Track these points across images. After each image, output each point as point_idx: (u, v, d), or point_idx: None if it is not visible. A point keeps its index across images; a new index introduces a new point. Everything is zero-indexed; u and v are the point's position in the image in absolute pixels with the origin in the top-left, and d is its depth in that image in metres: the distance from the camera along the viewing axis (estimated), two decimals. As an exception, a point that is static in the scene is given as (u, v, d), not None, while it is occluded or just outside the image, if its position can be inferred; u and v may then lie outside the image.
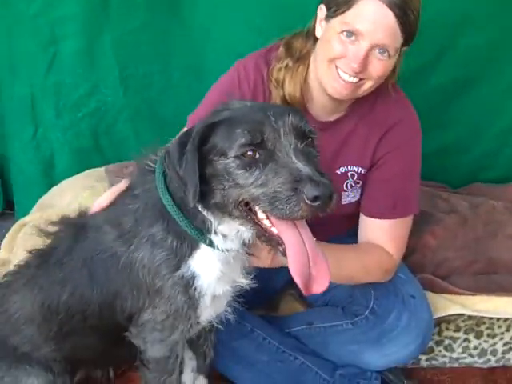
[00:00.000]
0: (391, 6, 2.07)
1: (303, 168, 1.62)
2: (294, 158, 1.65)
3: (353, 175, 2.46)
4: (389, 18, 2.09)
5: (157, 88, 3.51)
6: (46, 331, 2.12)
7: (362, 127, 2.41)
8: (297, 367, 2.48)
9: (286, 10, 3.26)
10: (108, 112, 3.50)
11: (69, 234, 2.08)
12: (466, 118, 3.61)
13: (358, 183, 2.48)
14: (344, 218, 2.55)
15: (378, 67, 2.18)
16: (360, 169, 2.45)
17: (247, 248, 1.95)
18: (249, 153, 1.67)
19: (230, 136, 1.69)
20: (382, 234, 2.44)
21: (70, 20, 3.24)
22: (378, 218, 2.44)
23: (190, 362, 2.40)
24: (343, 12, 2.13)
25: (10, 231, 3.08)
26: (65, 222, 2.12)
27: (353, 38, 2.13)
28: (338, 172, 2.45)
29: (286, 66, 2.36)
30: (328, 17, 2.20)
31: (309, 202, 1.56)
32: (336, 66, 2.20)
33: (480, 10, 3.24)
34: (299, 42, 2.38)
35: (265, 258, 2.03)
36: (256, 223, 1.75)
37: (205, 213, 1.83)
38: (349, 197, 2.50)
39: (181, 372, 2.39)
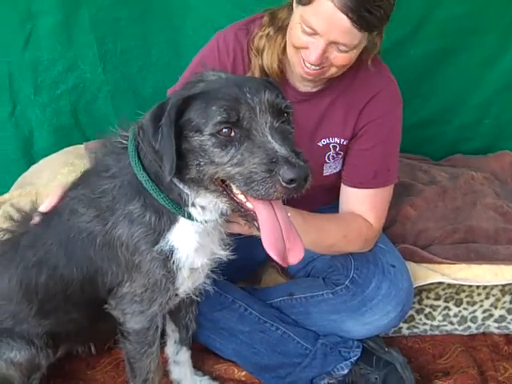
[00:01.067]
0: (344, 10, 2.04)
1: (279, 148, 1.62)
2: (269, 137, 1.65)
3: (335, 147, 2.47)
4: (342, 21, 2.07)
5: (136, 64, 3.49)
6: (26, 308, 2.13)
7: (342, 99, 2.41)
8: (278, 337, 2.49)
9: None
10: (87, 88, 3.47)
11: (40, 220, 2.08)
12: (446, 89, 3.63)
13: (340, 154, 2.48)
14: (326, 189, 2.56)
15: (340, 59, 2.18)
16: (342, 140, 2.46)
17: (227, 216, 1.96)
18: (224, 130, 1.66)
19: (206, 112, 1.68)
20: (362, 204, 2.45)
21: (46, -5, 3.20)
22: (359, 187, 2.45)
23: (172, 334, 2.41)
24: (304, 4, 2.12)
25: (-10, 209, 3.07)
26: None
27: (311, 32, 2.13)
28: (320, 144, 2.46)
29: (267, 34, 2.35)
30: (296, 2, 2.18)
31: (284, 184, 1.58)
32: (300, 54, 2.21)
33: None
34: (284, 13, 2.35)
35: (241, 225, 2.04)
36: (231, 198, 1.76)
37: (181, 186, 1.83)
38: (331, 168, 2.51)
39: (164, 344, 2.43)
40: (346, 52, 2.16)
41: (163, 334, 2.41)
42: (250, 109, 1.67)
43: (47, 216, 2.06)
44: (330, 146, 2.47)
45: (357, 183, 2.45)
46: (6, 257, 2.14)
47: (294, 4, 2.20)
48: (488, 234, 2.97)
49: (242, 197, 1.74)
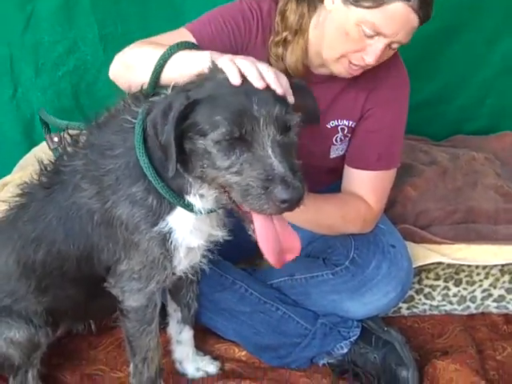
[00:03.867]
0: (418, 11, 2.05)
1: (277, 166, 1.63)
2: (269, 152, 1.65)
3: (343, 129, 2.47)
4: (414, 21, 2.08)
5: (137, 45, 3.48)
6: (24, 286, 2.15)
7: (354, 81, 2.39)
8: (278, 317, 2.51)
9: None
10: (88, 70, 3.46)
11: (42, 191, 2.09)
12: (448, 68, 3.62)
13: (347, 137, 2.49)
14: (331, 170, 2.58)
15: (385, 56, 2.20)
16: (350, 122, 2.46)
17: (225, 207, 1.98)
18: (227, 138, 1.67)
19: (211, 120, 1.68)
20: (363, 185, 2.46)
21: (47, -24, 3.19)
22: (362, 169, 2.46)
23: (174, 314, 2.43)
24: (368, 7, 2.06)
25: (-8, 191, 3.09)
26: (40, 174, 2.12)
27: (372, 34, 2.10)
28: (329, 126, 2.46)
29: (285, 39, 2.30)
30: (350, 3, 2.10)
31: (277, 204, 1.61)
32: (348, 60, 2.18)
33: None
34: (293, 10, 2.29)
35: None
36: (230, 198, 1.78)
37: (186, 176, 1.85)
38: (337, 150, 2.52)
39: (167, 325, 2.46)
40: (394, 49, 2.19)
41: (166, 314, 2.45)
42: (253, 121, 1.66)
43: (50, 189, 2.06)
44: (339, 128, 2.47)
45: (360, 165, 2.46)
46: (4, 234, 2.17)
47: (342, 4, 2.12)
48: (488, 215, 2.98)
49: None
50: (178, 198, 1.89)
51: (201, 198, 1.90)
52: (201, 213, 1.92)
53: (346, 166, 2.52)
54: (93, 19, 3.35)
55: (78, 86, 3.50)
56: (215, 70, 1.83)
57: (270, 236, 1.78)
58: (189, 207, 1.90)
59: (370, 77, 2.36)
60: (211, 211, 1.96)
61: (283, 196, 1.60)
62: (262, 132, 1.67)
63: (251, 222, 1.77)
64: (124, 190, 1.90)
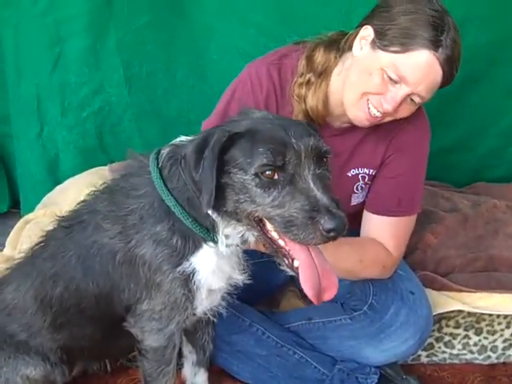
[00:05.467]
0: (443, 64, 2.10)
1: (321, 197, 1.66)
2: (311, 184, 1.69)
3: (364, 177, 2.49)
4: (438, 74, 2.12)
5: (161, 87, 3.54)
6: (39, 321, 2.15)
7: (373, 132, 2.43)
8: (295, 361, 2.48)
9: (289, 9, 3.31)
10: (112, 111, 3.53)
11: (62, 231, 2.11)
12: (469, 117, 3.63)
13: (368, 184, 2.51)
14: (350, 216, 2.55)
15: (405, 111, 2.23)
16: (371, 170, 2.48)
17: (247, 244, 1.99)
18: (268, 172, 1.69)
19: (251, 152, 1.71)
20: (383, 231, 2.45)
21: (76, 19, 3.28)
22: (382, 214, 2.45)
23: (189, 356, 2.41)
24: (395, 52, 2.12)
25: (15, 228, 3.12)
26: (59, 219, 2.16)
27: (396, 80, 2.14)
28: (349, 174, 2.48)
29: (308, 81, 2.35)
30: (375, 45, 2.17)
31: (324, 233, 1.63)
32: (368, 100, 2.21)
33: (482, 9, 3.27)
34: (320, 55, 2.36)
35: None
36: (264, 233, 1.80)
37: (212, 214, 1.86)
38: (358, 198, 2.53)
39: (182, 366, 2.44)
40: (414, 105, 2.21)
41: (181, 355, 2.43)
42: (295, 153, 1.69)
43: (70, 229, 2.09)
44: (359, 176, 2.48)
45: (380, 210, 2.46)
46: (23, 270, 2.19)
47: (368, 44, 2.19)
48: (510, 263, 2.94)
49: (275, 234, 1.78)
50: (208, 233, 1.90)
51: (226, 237, 1.91)
52: (226, 249, 1.93)
53: (365, 211, 2.52)
54: (118, 61, 3.44)
55: (103, 126, 3.57)
56: (248, 112, 1.89)
57: (311, 271, 1.79)
58: (217, 243, 1.91)
59: (390, 126, 2.39)
60: (235, 248, 1.97)
61: (330, 225, 1.62)
62: (303, 164, 1.70)
63: (285, 256, 1.79)
64: (148, 228, 1.92)
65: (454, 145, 3.70)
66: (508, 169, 3.80)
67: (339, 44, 2.35)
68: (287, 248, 1.79)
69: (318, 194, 1.67)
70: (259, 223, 1.79)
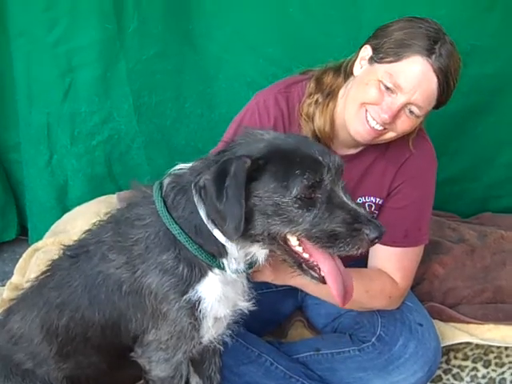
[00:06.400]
0: (437, 72, 2.14)
1: (359, 209, 1.76)
2: (345, 198, 1.77)
3: (370, 206, 2.50)
4: (432, 82, 2.16)
5: (170, 116, 3.58)
6: (45, 350, 2.15)
7: (380, 160, 2.46)
8: (304, 393, 2.48)
9: (295, 39, 3.35)
10: (121, 140, 3.56)
11: (68, 261, 2.12)
12: (475, 147, 3.64)
13: (375, 213, 2.51)
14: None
15: (405, 123, 2.25)
16: (378, 199, 2.50)
17: (254, 268, 2.01)
18: (308, 193, 1.73)
19: (287, 176, 1.73)
20: (390, 262, 2.46)
21: (87, 49, 3.32)
22: (388, 245, 2.46)
23: (196, 387, 2.42)
24: (390, 62, 2.18)
25: (23, 256, 3.14)
26: (65, 249, 2.17)
27: (391, 89, 2.18)
28: None
29: (316, 101, 2.40)
30: (372, 60, 2.24)
31: (369, 242, 1.73)
32: (366, 110, 2.24)
33: (488, 39, 3.29)
34: (329, 78, 2.42)
35: (269, 274, 2.16)
36: (288, 250, 1.84)
37: (221, 239, 1.87)
38: None
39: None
40: (416, 117, 2.23)
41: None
42: (328, 171, 1.75)
43: (76, 259, 2.09)
44: (366, 204, 2.50)
45: (387, 241, 2.45)
46: (30, 299, 2.19)
47: (366, 62, 2.26)
48: (517, 295, 2.94)
49: (299, 248, 1.84)
50: (214, 259, 1.91)
51: (235, 260, 1.92)
52: (232, 273, 1.93)
53: (372, 242, 2.52)
54: (128, 90, 3.47)
55: (111, 154, 3.60)
56: (252, 133, 1.90)
57: (338, 277, 1.87)
58: (223, 268, 1.92)
59: (395, 155, 2.42)
60: (243, 272, 1.98)
61: (375, 234, 1.72)
62: (334, 180, 1.77)
63: (311, 267, 1.86)
64: (154, 258, 1.92)
65: (459, 175, 3.71)
66: (514, 199, 3.81)
67: (346, 69, 2.40)
68: (311, 260, 1.85)
69: (354, 206, 1.77)
70: (283, 242, 1.82)
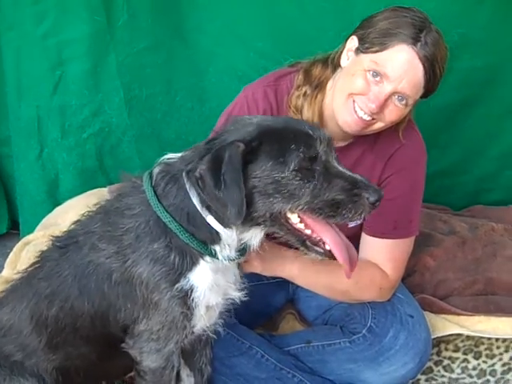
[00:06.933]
0: (423, 60, 2.15)
1: (356, 176, 1.81)
2: (339, 167, 1.83)
3: None
4: (418, 70, 2.16)
5: (160, 109, 3.58)
6: (35, 341, 2.14)
7: (369, 153, 2.46)
8: (295, 385, 2.48)
9: (287, 33, 3.35)
10: (112, 133, 3.56)
11: (57, 251, 2.11)
12: (465, 140, 3.65)
13: None
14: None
15: (393, 113, 2.25)
16: None
17: (245, 256, 2.02)
18: (305, 165, 1.77)
19: (282, 152, 1.77)
20: (380, 254, 2.47)
21: (77, 42, 3.32)
22: (379, 237, 2.47)
23: (187, 379, 2.40)
24: (376, 51, 2.18)
25: (14, 250, 3.12)
26: (54, 240, 2.16)
27: (378, 78, 2.19)
28: None
29: (305, 93, 2.40)
30: (358, 50, 2.25)
31: (370, 205, 1.79)
32: (353, 101, 2.25)
33: (477, 33, 3.29)
34: (318, 70, 2.43)
35: (256, 264, 2.20)
36: (290, 229, 1.87)
37: (216, 226, 1.87)
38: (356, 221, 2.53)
39: (180, 390, 2.43)
40: (405, 106, 2.23)
41: (179, 379, 2.42)
42: (322, 143, 1.80)
43: (65, 249, 2.09)
44: None
45: (377, 233, 2.47)
46: (19, 291, 2.19)
47: (352, 53, 2.27)
48: (508, 287, 2.94)
49: (301, 225, 1.87)
50: (205, 246, 1.91)
51: (229, 247, 1.92)
52: (224, 260, 1.94)
53: (362, 234, 2.53)
54: (119, 83, 3.47)
55: (102, 147, 3.60)
56: (240, 120, 1.92)
57: (344, 247, 1.92)
58: (215, 256, 1.92)
59: (384, 147, 2.42)
60: (235, 259, 1.98)
61: (375, 197, 1.78)
62: (327, 151, 1.81)
63: (315, 243, 1.90)
64: (145, 247, 1.92)
65: (450, 168, 3.72)
66: (505, 192, 3.81)
67: (333, 60, 2.41)
68: (314, 235, 1.89)
69: (350, 173, 1.82)
70: (285, 220, 1.85)
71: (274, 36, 3.36)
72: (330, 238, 1.90)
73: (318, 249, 1.91)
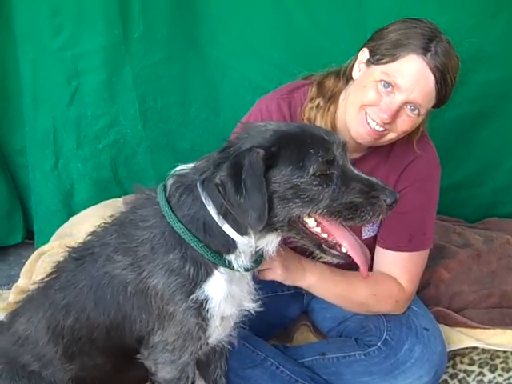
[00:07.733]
0: (434, 70, 2.15)
1: (372, 178, 1.85)
2: (355, 171, 1.86)
3: None
4: (429, 80, 2.17)
5: (175, 120, 3.60)
6: (51, 351, 2.16)
7: (383, 164, 2.46)
8: (309, 397, 2.47)
9: (301, 45, 3.36)
10: (127, 144, 3.58)
11: (73, 262, 2.12)
12: (480, 153, 3.64)
13: None
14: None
15: (406, 123, 2.25)
16: None
17: (260, 265, 2.03)
18: (324, 169, 1.79)
19: (301, 157, 1.79)
20: (395, 266, 2.46)
21: (93, 54, 3.36)
22: (394, 250, 2.46)
23: (202, 391, 2.41)
24: (387, 62, 2.20)
25: (29, 259, 3.14)
26: (70, 251, 2.17)
27: (389, 89, 2.20)
28: None
29: (318, 105, 2.42)
30: (369, 62, 2.26)
31: (386, 207, 1.82)
32: (366, 113, 2.25)
33: (491, 46, 3.30)
34: (331, 82, 2.44)
35: (280, 272, 2.21)
36: (307, 233, 1.89)
37: (232, 234, 1.88)
38: (369, 231, 2.54)
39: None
40: (417, 116, 2.24)
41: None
42: (338, 147, 1.83)
43: (81, 261, 2.10)
44: None
45: (392, 246, 2.47)
46: (35, 301, 2.20)
47: (364, 65, 2.29)
48: (523, 300, 2.93)
49: (317, 229, 1.90)
50: (220, 257, 1.91)
51: (244, 255, 1.93)
52: (240, 270, 1.94)
53: (377, 247, 2.53)
54: (134, 95, 3.49)
55: (117, 158, 3.62)
56: (253, 127, 1.93)
57: (360, 249, 1.95)
58: (229, 266, 1.93)
59: (398, 159, 2.42)
60: (250, 269, 1.98)
61: (392, 199, 1.82)
62: (343, 155, 1.85)
63: (331, 246, 1.92)
64: (160, 258, 1.92)
65: (464, 180, 3.71)
66: (520, 205, 3.80)
67: (345, 73, 2.43)
68: (330, 239, 1.91)
69: (365, 176, 1.86)
70: (303, 225, 1.87)
71: (289, 48, 3.38)
72: (347, 240, 1.92)
73: (334, 252, 1.93)
